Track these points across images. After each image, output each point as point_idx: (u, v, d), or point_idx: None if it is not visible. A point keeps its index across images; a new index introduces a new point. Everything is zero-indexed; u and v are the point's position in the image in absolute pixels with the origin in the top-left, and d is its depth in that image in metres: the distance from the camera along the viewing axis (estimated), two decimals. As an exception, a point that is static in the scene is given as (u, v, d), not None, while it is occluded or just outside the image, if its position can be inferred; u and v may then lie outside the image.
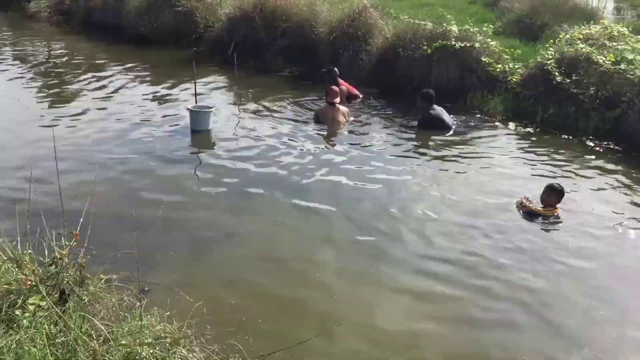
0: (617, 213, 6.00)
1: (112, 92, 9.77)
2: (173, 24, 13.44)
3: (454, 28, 9.98)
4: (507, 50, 10.03)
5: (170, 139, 7.78)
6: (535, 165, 7.35)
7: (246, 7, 12.38)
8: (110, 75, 10.81)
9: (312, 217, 5.79)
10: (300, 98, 9.74)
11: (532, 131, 8.48)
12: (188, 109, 8.18)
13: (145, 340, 2.80)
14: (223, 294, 4.36)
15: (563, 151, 7.77)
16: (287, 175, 6.73)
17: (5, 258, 3.12)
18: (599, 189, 6.64)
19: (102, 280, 3.20)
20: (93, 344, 2.69)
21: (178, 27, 13.35)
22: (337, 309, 4.29)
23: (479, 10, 14.57)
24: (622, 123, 8.07)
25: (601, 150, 7.83)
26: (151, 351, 2.75)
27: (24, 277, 2.87)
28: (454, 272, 4.83)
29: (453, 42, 9.65)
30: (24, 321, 2.68)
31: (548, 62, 8.94)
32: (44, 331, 2.66)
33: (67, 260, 3.00)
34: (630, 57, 8.64)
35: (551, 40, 9.85)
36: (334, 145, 7.82)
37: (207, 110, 8.14)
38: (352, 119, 8.65)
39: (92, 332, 2.82)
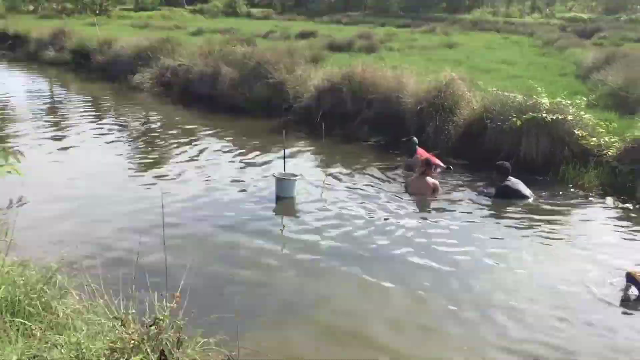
0: None
1: (205, 158, 10.24)
2: (265, 94, 14.11)
3: (545, 100, 9.84)
4: (602, 123, 9.74)
5: (256, 205, 7.99)
6: (633, 243, 6.98)
7: (334, 79, 12.81)
8: (204, 142, 11.37)
9: (394, 293, 5.69)
10: (386, 168, 9.81)
11: (632, 207, 8.08)
12: (273, 175, 8.44)
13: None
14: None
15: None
16: (369, 246, 6.70)
17: (112, 316, 3.28)
18: None
19: (199, 344, 3.28)
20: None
21: (269, 97, 14.02)
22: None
23: (570, 83, 14.33)
24: None
25: None
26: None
27: (128, 336, 3.00)
28: None
29: (544, 115, 9.49)
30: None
31: (647, 137, 8.59)
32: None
33: (167, 322, 3.11)
34: None
35: (650, 114, 9.50)
36: (422, 218, 7.74)
37: (292, 178, 8.35)
38: (441, 190, 8.58)
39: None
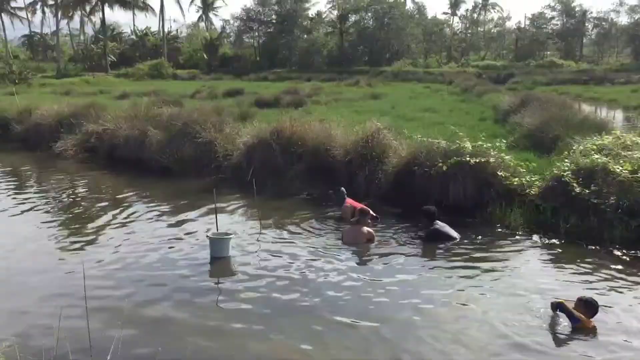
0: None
1: (134, 223, 9.89)
2: (194, 154, 13.94)
3: (468, 144, 10.20)
4: (522, 163, 10.16)
5: (191, 268, 7.73)
6: (562, 276, 7.22)
7: (264, 135, 12.85)
8: (132, 207, 11.01)
9: (346, 339, 5.60)
10: (319, 220, 9.79)
11: (558, 242, 8.37)
12: (208, 236, 8.24)
13: None
14: None
15: (590, 262, 7.63)
16: (310, 299, 6.59)
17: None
18: (630, 303, 6.43)
19: None
20: None
21: (198, 157, 13.85)
22: None
23: (490, 127, 14.97)
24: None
25: (629, 259, 7.67)
26: None
27: None
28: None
29: (468, 158, 9.82)
30: None
31: (565, 174, 9.00)
32: None
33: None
34: (647, 165, 8.69)
35: (565, 152, 10.00)
36: (358, 267, 7.72)
37: (226, 237, 8.16)
38: (376, 239, 8.62)
39: None
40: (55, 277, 7.40)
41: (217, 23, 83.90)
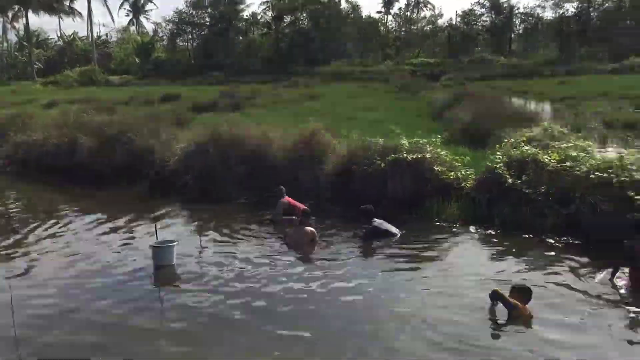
0: (583, 303, 6.04)
1: (68, 237, 9.48)
2: (129, 161, 13.52)
3: (405, 141, 10.36)
4: (457, 157, 10.40)
5: (134, 278, 7.50)
6: (498, 265, 7.46)
7: (201, 140, 12.63)
8: (68, 217, 10.62)
9: (288, 344, 5.57)
10: (260, 224, 9.72)
11: (493, 233, 8.63)
12: (150, 245, 8.02)
13: None
14: None
15: (524, 250, 7.95)
16: (256, 303, 6.52)
17: None
18: (560, 284, 6.71)
19: None
20: None
21: (134, 164, 13.42)
22: None
23: (426, 123, 15.27)
24: (577, 218, 8.28)
25: (561, 246, 7.98)
26: None
27: None
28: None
29: (405, 155, 9.97)
30: None
31: (497, 166, 9.28)
32: None
33: None
34: (574, 154, 9.06)
35: (497, 145, 10.31)
36: (302, 268, 7.69)
37: (169, 245, 7.98)
38: (317, 238, 8.62)
39: None
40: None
41: (149, 26, 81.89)
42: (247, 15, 68.31)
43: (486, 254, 7.97)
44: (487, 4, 66.13)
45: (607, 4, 58.17)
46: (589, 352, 5.27)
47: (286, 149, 11.62)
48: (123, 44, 72.89)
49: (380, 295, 6.65)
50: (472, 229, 8.85)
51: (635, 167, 8.37)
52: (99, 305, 6.66)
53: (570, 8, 59.58)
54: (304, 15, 65.69)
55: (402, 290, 6.74)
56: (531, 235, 8.37)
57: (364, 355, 5.35)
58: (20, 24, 65.51)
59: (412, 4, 75.74)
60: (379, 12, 76.56)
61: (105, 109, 19.49)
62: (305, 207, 9.34)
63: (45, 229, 9.86)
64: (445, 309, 6.17)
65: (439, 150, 10.41)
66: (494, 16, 66.44)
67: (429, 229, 8.95)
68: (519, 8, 68.65)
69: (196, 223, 10.09)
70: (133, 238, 9.27)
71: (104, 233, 9.63)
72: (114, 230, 9.77)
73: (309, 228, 8.61)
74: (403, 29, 76.86)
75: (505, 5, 65.75)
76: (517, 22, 68.41)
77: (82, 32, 76.09)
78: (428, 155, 10.07)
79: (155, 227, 8.50)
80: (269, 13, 66.69)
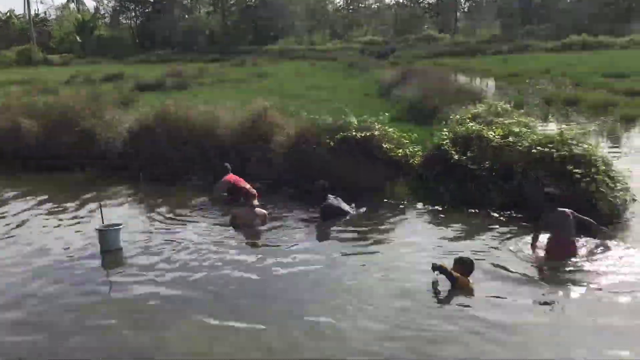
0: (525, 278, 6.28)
1: (14, 222, 9.16)
2: (73, 144, 13.08)
3: (353, 119, 10.42)
4: (405, 135, 10.53)
5: (80, 264, 7.34)
6: (444, 239, 7.67)
7: (147, 121, 12.36)
8: (12, 205, 10.22)
9: (242, 329, 5.57)
10: (210, 204, 9.65)
11: (441, 208, 8.82)
12: (96, 229, 7.84)
13: None
14: None
15: (470, 224, 8.14)
16: (206, 285, 6.52)
17: None
18: (501, 257, 6.97)
19: None
20: None
21: (78, 146, 12.99)
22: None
23: (374, 101, 15.38)
24: (521, 192, 8.54)
25: (504, 219, 8.24)
26: None
27: None
28: None
29: (354, 133, 10.03)
30: None
31: (443, 143, 9.46)
32: None
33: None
34: (517, 130, 9.33)
35: (443, 122, 10.50)
36: (251, 249, 7.73)
37: (116, 228, 7.82)
38: (267, 219, 8.62)
39: None
40: None
41: (90, 4, 79.19)
42: (192, -8, 66.83)
43: (433, 230, 8.17)
44: (433, -18, 66.85)
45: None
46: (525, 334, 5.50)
47: (235, 128, 11.50)
48: (63, 22, 70.15)
49: (329, 274, 6.74)
50: (419, 205, 9.03)
51: (575, 142, 8.68)
52: (40, 289, 6.53)
53: (512, -13, 60.91)
54: (251, -8, 64.70)
55: (350, 270, 6.83)
56: (477, 210, 8.60)
57: (312, 338, 5.42)
58: (-50, 1, 62.09)
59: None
60: (326, -11, 76.11)
61: (46, 90, 18.78)
62: (254, 187, 9.28)
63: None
64: (390, 283, 6.31)
65: (387, 127, 10.51)
66: (440, -6, 67.25)
67: (379, 206, 9.07)
68: (463, -14, 69.73)
69: (144, 205, 9.91)
70: (78, 223, 9.04)
71: (48, 217, 9.36)
72: (58, 213, 9.51)
73: (259, 209, 8.58)
74: (351, 7, 76.84)
75: (450, -17, 66.58)
76: (462, 0, 69.48)
77: (19, 10, 72.88)
78: (376, 133, 10.15)
79: (101, 210, 8.26)
80: (215, -10, 65.43)
